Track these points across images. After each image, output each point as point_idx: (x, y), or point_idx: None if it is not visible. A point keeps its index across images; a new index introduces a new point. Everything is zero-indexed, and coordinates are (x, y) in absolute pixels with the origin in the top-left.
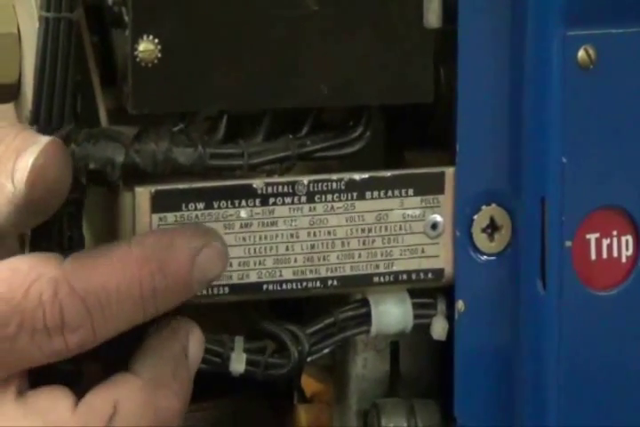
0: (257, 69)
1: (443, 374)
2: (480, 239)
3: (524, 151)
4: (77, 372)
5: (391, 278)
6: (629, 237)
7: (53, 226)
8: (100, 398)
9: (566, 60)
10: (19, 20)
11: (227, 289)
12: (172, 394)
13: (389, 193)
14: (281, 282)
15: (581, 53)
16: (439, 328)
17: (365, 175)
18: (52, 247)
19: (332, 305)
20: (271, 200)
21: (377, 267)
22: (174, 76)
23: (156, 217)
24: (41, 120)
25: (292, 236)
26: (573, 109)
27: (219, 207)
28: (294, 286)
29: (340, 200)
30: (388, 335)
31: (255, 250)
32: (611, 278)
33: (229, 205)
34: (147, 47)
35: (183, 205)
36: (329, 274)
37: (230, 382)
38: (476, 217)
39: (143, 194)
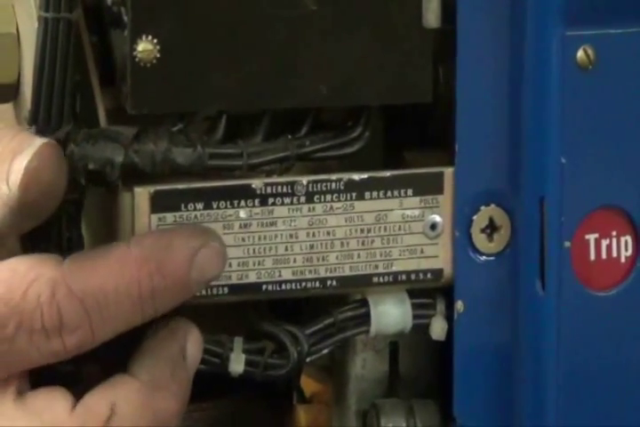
0: (256, 69)
1: (442, 374)
2: (479, 240)
3: (524, 151)
4: (77, 373)
5: (390, 279)
6: (628, 238)
7: (52, 227)
8: (98, 400)
9: (565, 61)
10: (18, 20)
11: (226, 289)
12: (170, 395)
13: (388, 193)
14: (280, 282)
15: (580, 54)
16: (438, 328)
17: (364, 175)
18: (51, 248)
19: (331, 305)
20: (270, 200)
21: (376, 267)
22: (173, 77)
23: (155, 217)
24: (40, 120)
25: (291, 236)
26: (572, 109)
27: (218, 207)
28: (293, 287)
29: (340, 200)
30: (387, 336)
31: (254, 250)
32: (610, 279)
33: (228, 206)
34: (146, 47)
35: (182, 206)
36: (328, 274)
37: (229, 382)
38: (475, 217)
39: (142, 194)
